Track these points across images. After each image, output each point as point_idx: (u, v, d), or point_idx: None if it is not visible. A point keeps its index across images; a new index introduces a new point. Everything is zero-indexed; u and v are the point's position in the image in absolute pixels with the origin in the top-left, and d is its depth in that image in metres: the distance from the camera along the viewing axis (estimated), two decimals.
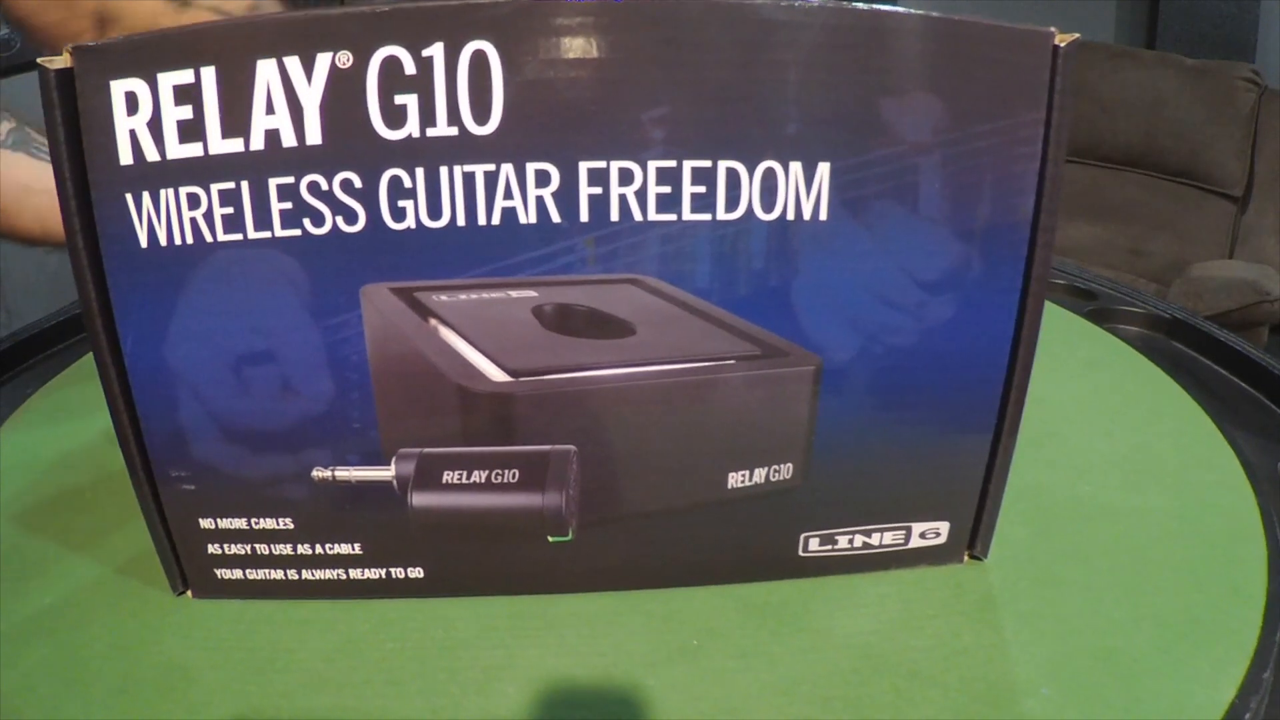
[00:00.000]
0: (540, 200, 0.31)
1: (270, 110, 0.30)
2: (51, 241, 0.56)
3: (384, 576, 0.36)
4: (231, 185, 0.31)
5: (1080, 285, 0.66)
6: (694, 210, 0.32)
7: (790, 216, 0.32)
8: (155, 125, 0.30)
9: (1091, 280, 0.67)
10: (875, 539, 0.38)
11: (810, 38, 0.30)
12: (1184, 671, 0.33)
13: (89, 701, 0.32)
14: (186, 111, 0.30)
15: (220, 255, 0.31)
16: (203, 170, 0.30)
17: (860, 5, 0.30)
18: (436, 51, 0.30)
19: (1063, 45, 0.31)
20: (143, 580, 0.38)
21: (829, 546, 0.37)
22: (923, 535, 0.38)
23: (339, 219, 0.31)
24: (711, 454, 0.35)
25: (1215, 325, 0.59)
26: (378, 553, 0.36)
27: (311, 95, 0.30)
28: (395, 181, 0.31)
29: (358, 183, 0.31)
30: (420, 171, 0.31)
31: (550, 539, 0.35)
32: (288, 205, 0.31)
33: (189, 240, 0.31)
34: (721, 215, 0.32)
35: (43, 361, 0.58)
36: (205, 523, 0.35)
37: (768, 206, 0.32)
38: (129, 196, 0.31)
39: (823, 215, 0.32)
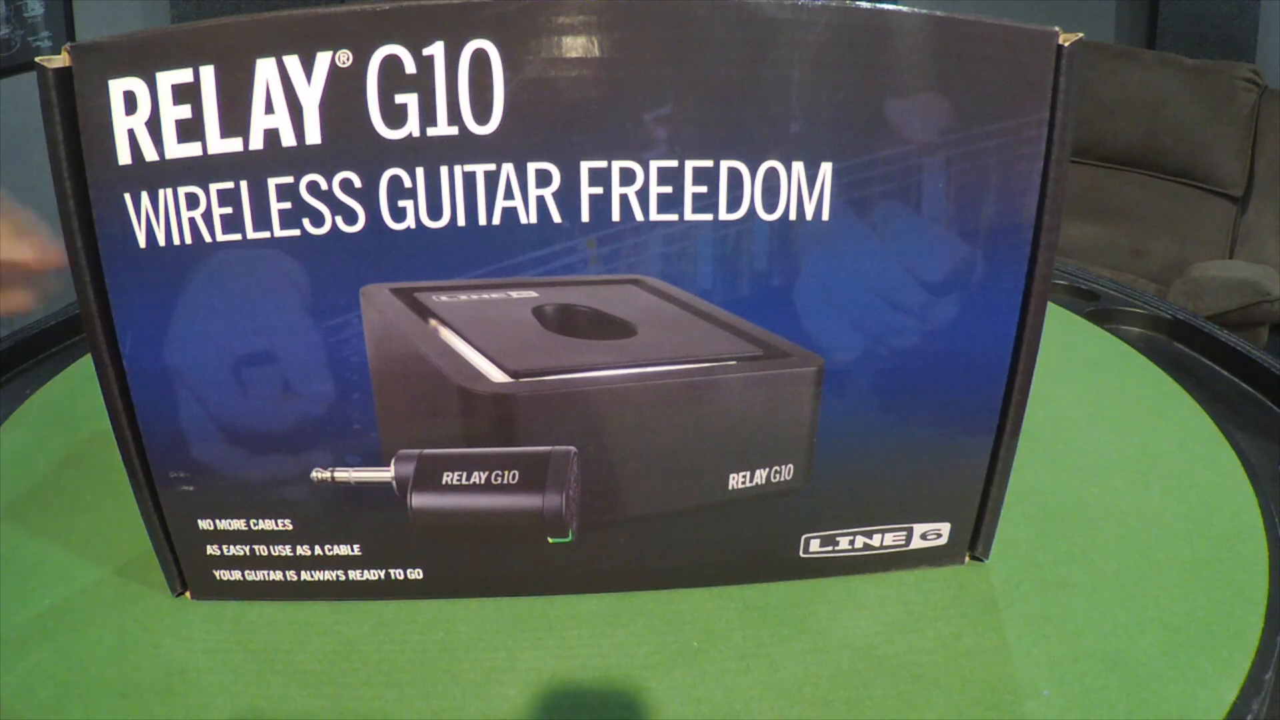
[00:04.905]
0: (541, 200, 0.31)
1: (269, 109, 0.30)
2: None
3: (383, 578, 0.36)
4: (230, 185, 0.30)
5: (1082, 286, 0.66)
6: (696, 210, 0.32)
7: (793, 217, 0.32)
8: (154, 125, 0.30)
9: (1093, 281, 0.67)
10: (876, 540, 0.37)
11: (813, 37, 0.30)
12: (1186, 672, 0.33)
13: (88, 704, 0.32)
14: (185, 111, 0.30)
15: (219, 255, 0.31)
16: (201, 170, 0.30)
17: (863, 4, 0.30)
18: (437, 50, 0.29)
19: (1067, 45, 0.31)
20: (142, 582, 0.37)
21: (830, 548, 0.37)
22: (924, 536, 0.38)
23: (338, 219, 0.31)
24: (712, 455, 0.35)
25: (1216, 326, 0.59)
26: (377, 554, 0.36)
27: (311, 94, 0.30)
28: (395, 181, 0.31)
29: (357, 182, 0.31)
30: (420, 171, 0.31)
31: (550, 540, 0.35)
32: (287, 205, 0.31)
33: (188, 240, 0.31)
34: (724, 215, 0.32)
35: (43, 361, 0.58)
36: (204, 524, 0.35)
37: (770, 206, 0.32)
38: (127, 196, 0.30)
39: (825, 215, 0.32)
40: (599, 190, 0.31)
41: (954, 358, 0.34)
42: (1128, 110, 1.98)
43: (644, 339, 0.34)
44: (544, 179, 0.31)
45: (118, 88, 0.29)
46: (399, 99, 0.30)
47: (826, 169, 0.31)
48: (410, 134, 0.30)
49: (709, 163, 0.31)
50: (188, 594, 0.37)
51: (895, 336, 0.34)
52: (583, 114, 0.30)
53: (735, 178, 0.31)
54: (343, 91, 0.30)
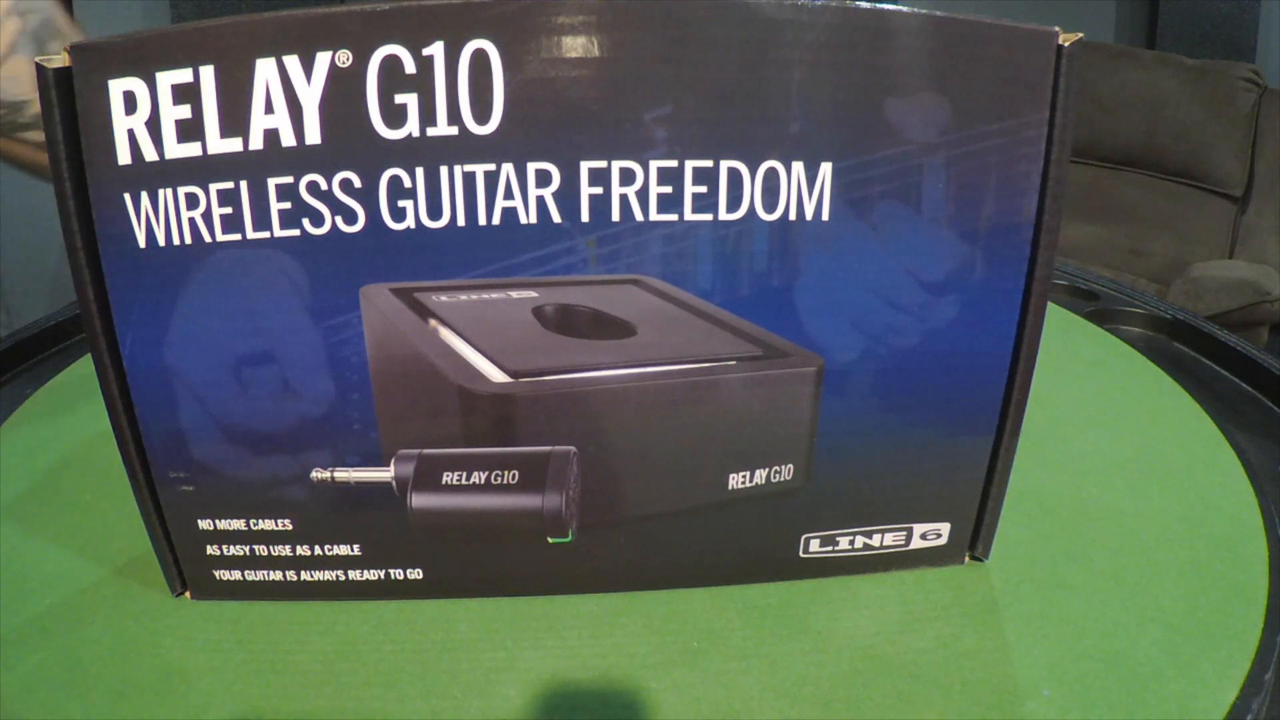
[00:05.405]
0: (541, 200, 0.31)
1: (269, 110, 0.30)
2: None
3: (383, 578, 0.36)
4: (230, 185, 0.30)
5: (1081, 286, 0.66)
6: (696, 210, 0.32)
7: (792, 217, 0.32)
8: (154, 125, 0.30)
9: (1093, 281, 0.67)
10: (876, 540, 0.37)
11: (813, 37, 0.30)
12: (1186, 673, 0.33)
13: (88, 704, 0.32)
14: (185, 111, 0.30)
15: (219, 256, 0.31)
16: (201, 170, 0.30)
17: (863, 4, 0.30)
18: (437, 50, 0.29)
19: (1067, 45, 0.31)
20: (142, 582, 0.37)
21: (830, 548, 0.37)
22: (924, 536, 0.38)
23: (338, 219, 0.31)
24: (712, 455, 0.35)
25: (1216, 326, 0.59)
26: (377, 554, 0.36)
27: (311, 94, 0.30)
28: (395, 181, 0.31)
29: (357, 183, 0.31)
30: (420, 171, 0.31)
31: (550, 540, 0.35)
32: (287, 205, 0.31)
33: (188, 240, 0.31)
34: (723, 215, 0.32)
35: (43, 361, 0.58)
36: (204, 524, 0.35)
37: (770, 206, 0.32)
38: (127, 196, 0.31)
39: (825, 215, 0.32)
40: (599, 190, 0.31)
41: (954, 358, 0.34)
42: (1128, 110, 1.98)
43: (644, 339, 0.34)
44: (544, 179, 0.31)
45: (118, 88, 0.29)
46: (399, 99, 0.30)
47: (826, 169, 0.31)
48: (410, 134, 0.30)
49: (709, 163, 0.31)
50: (188, 594, 0.37)
51: (895, 336, 0.34)
52: (583, 114, 0.30)
53: (735, 178, 0.31)
54: (343, 91, 0.30)
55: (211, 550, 0.36)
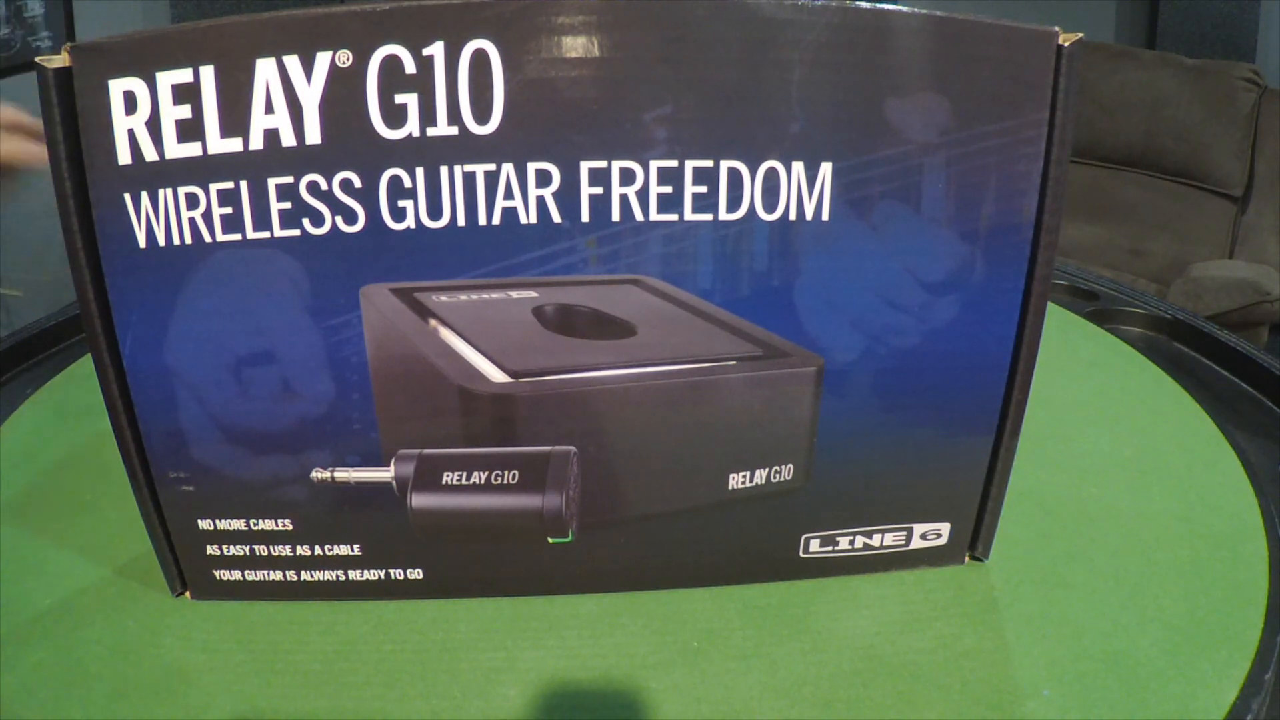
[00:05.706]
0: (541, 200, 0.31)
1: (269, 110, 0.30)
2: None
3: (383, 578, 0.36)
4: (230, 185, 0.30)
5: (1082, 286, 0.66)
6: (696, 210, 0.32)
7: (792, 217, 0.32)
8: (154, 125, 0.30)
9: (1093, 281, 0.67)
10: (876, 540, 0.37)
11: (813, 37, 0.30)
12: (1186, 673, 0.33)
13: (88, 704, 0.32)
14: (185, 111, 0.30)
15: (219, 255, 0.31)
16: (201, 170, 0.30)
17: (864, 5, 0.30)
18: (437, 50, 0.29)
19: (1067, 45, 0.31)
20: (142, 582, 0.37)
21: (830, 548, 0.37)
22: (924, 536, 0.38)
23: (338, 219, 0.31)
24: (712, 455, 0.35)
25: (1216, 326, 0.59)
26: (377, 554, 0.36)
27: (311, 94, 0.30)
28: (395, 181, 0.31)
29: (357, 183, 0.31)
30: (420, 171, 0.31)
31: (550, 540, 0.35)
32: (287, 205, 0.31)
33: (188, 240, 0.31)
34: (723, 215, 0.32)
35: (43, 361, 0.58)
36: (204, 524, 0.35)
37: (770, 206, 0.32)
38: (127, 196, 0.31)
39: (825, 215, 0.32)
40: (599, 190, 0.31)
41: (954, 358, 0.34)
42: (1128, 110, 1.98)
43: (644, 339, 0.34)
44: (544, 179, 0.31)
45: (118, 88, 0.29)
46: (399, 99, 0.30)
47: (826, 169, 0.31)
48: (410, 134, 0.30)
49: (709, 163, 0.31)
50: (188, 594, 0.37)
51: (895, 336, 0.34)
52: (583, 114, 0.30)
53: (735, 178, 0.31)
54: (343, 91, 0.30)
55: (211, 550, 0.36)
